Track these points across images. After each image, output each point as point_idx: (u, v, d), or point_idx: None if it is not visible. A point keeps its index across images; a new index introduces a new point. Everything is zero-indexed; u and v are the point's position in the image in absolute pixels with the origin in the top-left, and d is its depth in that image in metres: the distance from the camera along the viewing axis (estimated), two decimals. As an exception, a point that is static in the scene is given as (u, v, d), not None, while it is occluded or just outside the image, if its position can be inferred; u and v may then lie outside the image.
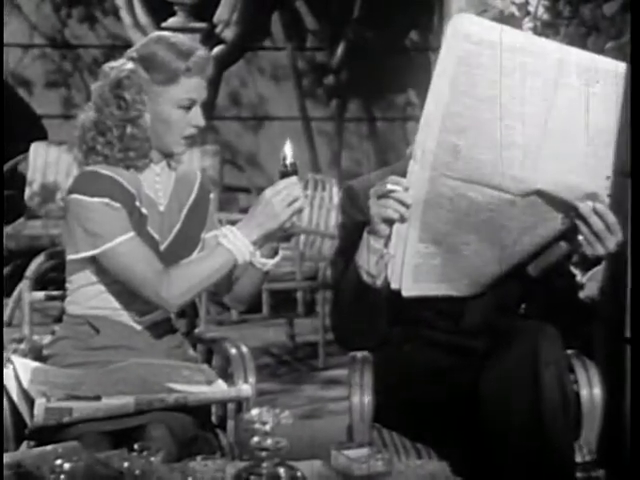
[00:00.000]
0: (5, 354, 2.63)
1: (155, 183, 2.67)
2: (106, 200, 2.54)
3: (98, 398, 2.45)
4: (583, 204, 2.40)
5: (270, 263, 2.62)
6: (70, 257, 2.61)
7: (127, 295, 2.60)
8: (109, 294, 2.62)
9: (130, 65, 2.59)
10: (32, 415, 2.42)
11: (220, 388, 2.60)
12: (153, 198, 2.65)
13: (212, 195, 2.80)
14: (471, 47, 2.30)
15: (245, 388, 2.60)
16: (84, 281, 2.63)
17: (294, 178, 2.49)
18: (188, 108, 2.59)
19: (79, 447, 2.27)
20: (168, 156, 2.68)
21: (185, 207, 2.70)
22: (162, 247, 2.63)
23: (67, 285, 2.68)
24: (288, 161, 2.49)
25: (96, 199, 2.54)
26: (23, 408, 2.47)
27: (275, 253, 2.63)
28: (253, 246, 2.52)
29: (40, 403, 2.40)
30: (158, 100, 2.58)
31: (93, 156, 2.62)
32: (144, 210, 2.61)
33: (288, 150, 2.49)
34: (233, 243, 2.51)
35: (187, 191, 2.72)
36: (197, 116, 2.61)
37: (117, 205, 2.55)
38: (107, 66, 2.64)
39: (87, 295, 2.63)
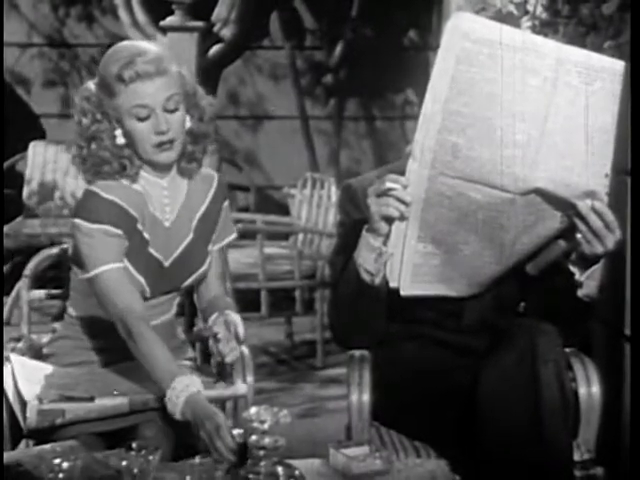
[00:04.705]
0: (4, 353, 2.63)
1: (163, 198, 2.64)
2: (106, 227, 2.54)
3: (91, 399, 2.45)
4: (582, 202, 2.40)
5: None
6: (79, 276, 2.63)
7: None
8: None
9: (90, 85, 2.60)
10: (25, 417, 2.41)
11: (217, 387, 2.61)
12: (158, 217, 2.62)
13: (227, 202, 2.74)
14: (470, 45, 2.30)
15: (241, 386, 2.60)
16: (85, 286, 2.62)
17: None
18: (146, 116, 2.53)
19: (77, 446, 2.27)
20: (161, 167, 2.62)
21: (195, 218, 2.67)
22: (167, 263, 2.62)
23: (71, 286, 2.68)
24: None
25: (96, 226, 2.54)
26: (17, 408, 2.47)
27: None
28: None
29: (32, 405, 2.40)
30: (118, 114, 2.55)
31: (81, 166, 2.62)
32: (146, 234, 2.59)
33: None
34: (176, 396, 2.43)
35: (200, 199, 2.69)
36: (157, 122, 2.53)
37: (117, 232, 2.55)
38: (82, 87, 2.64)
39: (88, 298, 2.62)
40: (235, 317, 2.58)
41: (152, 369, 2.46)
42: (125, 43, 2.60)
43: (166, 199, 2.64)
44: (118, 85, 2.52)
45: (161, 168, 2.61)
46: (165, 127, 2.53)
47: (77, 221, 2.56)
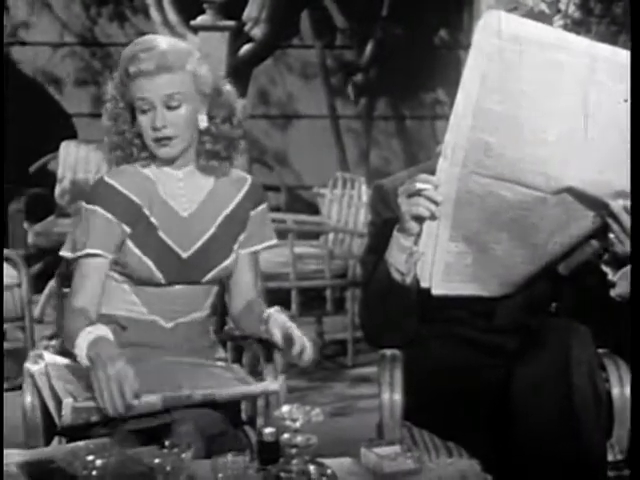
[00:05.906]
0: (37, 351, 2.65)
1: (177, 189, 2.65)
2: (97, 208, 2.57)
3: None
4: (614, 202, 2.38)
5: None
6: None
7: (152, 298, 2.61)
8: (135, 296, 2.63)
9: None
10: (60, 414, 2.43)
11: (248, 384, 2.61)
12: (172, 205, 2.64)
13: (263, 206, 2.73)
14: (502, 43, 2.29)
15: (272, 383, 2.60)
16: (112, 281, 2.64)
17: None
18: (148, 110, 2.55)
19: (110, 443, 2.28)
20: (162, 161, 2.63)
21: (221, 215, 2.68)
22: (185, 255, 2.63)
23: None
24: None
25: (90, 206, 2.59)
26: (52, 406, 2.48)
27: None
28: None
29: (67, 403, 2.41)
30: (132, 104, 2.58)
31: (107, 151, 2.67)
32: (154, 220, 2.61)
33: None
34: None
35: (226, 199, 2.69)
36: (154, 118, 2.55)
37: (108, 215, 2.57)
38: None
39: (115, 295, 2.64)
40: (283, 318, 2.57)
41: (72, 339, 2.47)
42: (144, 37, 2.63)
43: (181, 190, 2.65)
44: (126, 78, 2.56)
45: (163, 162, 2.63)
46: (160, 124, 2.55)
47: (80, 204, 2.63)
